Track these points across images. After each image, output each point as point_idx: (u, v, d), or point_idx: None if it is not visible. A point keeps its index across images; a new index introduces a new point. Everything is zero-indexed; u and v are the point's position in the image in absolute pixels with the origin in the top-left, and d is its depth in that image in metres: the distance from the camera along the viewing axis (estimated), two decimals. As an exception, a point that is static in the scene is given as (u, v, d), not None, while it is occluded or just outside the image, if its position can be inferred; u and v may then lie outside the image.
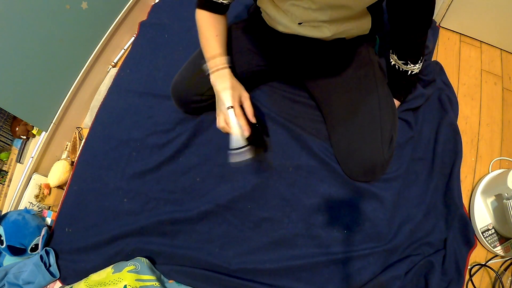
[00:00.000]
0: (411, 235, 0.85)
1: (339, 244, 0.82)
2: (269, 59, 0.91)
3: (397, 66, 0.85)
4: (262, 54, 0.90)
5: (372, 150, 0.80)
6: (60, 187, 1.09)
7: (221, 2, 0.75)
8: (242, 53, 0.88)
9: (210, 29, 0.77)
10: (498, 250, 0.87)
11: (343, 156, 0.86)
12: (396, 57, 0.84)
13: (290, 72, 0.97)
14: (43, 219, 1.01)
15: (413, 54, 0.81)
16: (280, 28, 0.78)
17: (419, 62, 0.82)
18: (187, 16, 1.24)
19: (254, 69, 0.91)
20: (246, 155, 0.68)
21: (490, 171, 0.99)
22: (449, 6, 1.17)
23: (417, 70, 0.84)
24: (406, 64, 0.83)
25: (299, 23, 0.73)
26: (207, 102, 0.90)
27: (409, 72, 0.84)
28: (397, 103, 0.93)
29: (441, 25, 1.25)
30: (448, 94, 1.04)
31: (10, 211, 0.95)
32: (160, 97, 1.07)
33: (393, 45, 0.83)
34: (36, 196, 1.04)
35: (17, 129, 1.12)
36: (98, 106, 1.16)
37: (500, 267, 0.86)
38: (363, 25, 0.77)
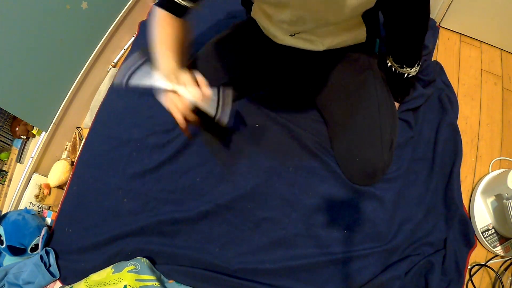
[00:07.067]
0: (411, 235, 0.84)
1: (339, 244, 0.82)
2: (267, 65, 0.91)
3: (393, 68, 0.84)
4: (260, 59, 0.89)
5: (373, 155, 0.80)
6: (60, 187, 1.09)
7: (179, 3, 0.69)
8: (241, 55, 0.87)
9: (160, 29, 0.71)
10: (498, 250, 0.87)
11: (344, 161, 0.86)
12: (392, 60, 0.83)
13: (288, 79, 0.97)
14: (43, 219, 1.01)
15: (409, 58, 0.80)
16: (275, 40, 0.78)
17: (416, 66, 0.82)
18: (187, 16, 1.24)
19: (253, 71, 0.91)
20: (229, 108, 0.62)
21: (490, 171, 0.98)
22: (449, 6, 1.17)
23: (414, 73, 0.83)
24: (402, 67, 0.82)
25: (291, 35, 0.72)
26: None
27: (406, 74, 0.84)
28: (395, 104, 0.92)
29: (441, 25, 1.25)
30: (448, 94, 1.04)
31: (10, 211, 0.95)
32: (160, 97, 1.07)
33: (389, 49, 0.83)
34: (36, 196, 1.04)
35: (17, 129, 1.12)
36: (98, 106, 1.16)
37: (500, 267, 0.86)
38: (358, 36, 0.77)
